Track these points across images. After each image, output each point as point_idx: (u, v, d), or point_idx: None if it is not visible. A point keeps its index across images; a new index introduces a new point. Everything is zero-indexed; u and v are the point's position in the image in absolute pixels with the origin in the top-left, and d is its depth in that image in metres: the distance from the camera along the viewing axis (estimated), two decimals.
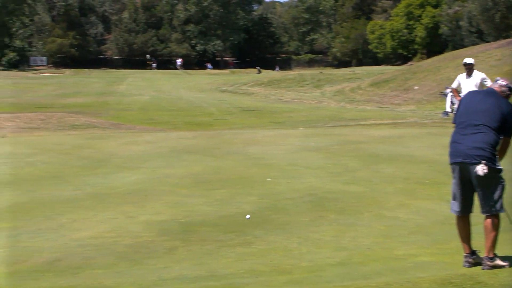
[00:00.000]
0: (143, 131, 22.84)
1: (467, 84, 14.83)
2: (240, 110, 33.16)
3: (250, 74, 71.32)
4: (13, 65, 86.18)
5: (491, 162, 5.76)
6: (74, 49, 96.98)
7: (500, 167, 5.84)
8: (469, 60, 15.20)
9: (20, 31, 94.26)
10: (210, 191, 9.95)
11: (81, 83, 55.31)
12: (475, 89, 14.39)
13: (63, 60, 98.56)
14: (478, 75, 14.92)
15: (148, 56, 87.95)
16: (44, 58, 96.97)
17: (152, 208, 8.78)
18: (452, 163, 5.98)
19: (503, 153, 6.00)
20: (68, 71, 79.89)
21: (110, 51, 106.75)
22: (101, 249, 6.80)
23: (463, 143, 5.88)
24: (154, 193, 9.87)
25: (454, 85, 15.51)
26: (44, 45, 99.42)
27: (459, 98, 15.61)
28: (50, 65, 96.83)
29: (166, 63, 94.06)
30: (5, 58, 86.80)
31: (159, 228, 7.65)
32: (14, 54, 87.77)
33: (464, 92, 14.68)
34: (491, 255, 5.84)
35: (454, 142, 6.00)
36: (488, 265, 5.81)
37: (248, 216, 8.14)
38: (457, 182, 5.96)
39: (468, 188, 5.93)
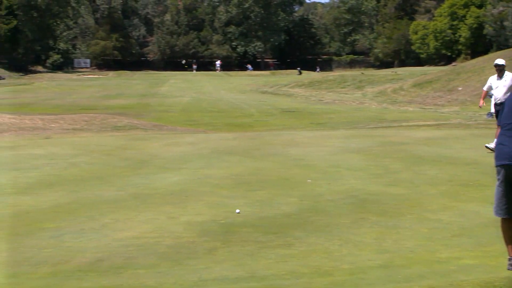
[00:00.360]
0: (184, 132, 23.03)
1: (498, 85, 14.55)
2: (281, 111, 33.14)
3: (290, 75, 71.22)
4: (57, 67, 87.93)
5: None
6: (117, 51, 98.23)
7: None
8: (500, 61, 14.91)
9: (64, 33, 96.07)
10: (250, 192, 9.96)
11: (124, 85, 56.06)
12: (505, 90, 14.17)
13: (106, 62, 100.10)
14: (509, 76, 14.63)
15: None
16: (88, 60, 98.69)
17: (193, 208, 8.84)
18: (497, 166, 5.86)
19: None
20: (111, 73, 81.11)
21: (152, 53, 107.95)
22: (143, 249, 6.87)
23: (508, 145, 5.76)
24: (195, 194, 9.93)
25: (485, 88, 15.22)
26: (87, 47, 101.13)
27: (482, 102, 15.35)
28: (94, 67, 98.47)
29: (206, 65, 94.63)
30: (50, 60, 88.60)
31: (200, 228, 7.69)
32: (59, 56, 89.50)
33: (495, 94, 14.44)
34: None
35: (499, 144, 5.89)
36: None
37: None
38: (501, 185, 5.85)
39: None
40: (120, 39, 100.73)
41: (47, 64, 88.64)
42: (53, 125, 24.51)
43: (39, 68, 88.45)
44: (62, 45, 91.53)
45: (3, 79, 66.15)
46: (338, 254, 6.62)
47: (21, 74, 75.55)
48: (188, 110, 34.33)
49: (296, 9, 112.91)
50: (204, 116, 30.74)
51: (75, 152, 15.83)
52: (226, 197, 9.63)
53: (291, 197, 9.51)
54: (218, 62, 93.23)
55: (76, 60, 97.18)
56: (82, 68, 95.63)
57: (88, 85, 56.47)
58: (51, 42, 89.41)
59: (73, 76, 74.68)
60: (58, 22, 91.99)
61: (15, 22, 69.05)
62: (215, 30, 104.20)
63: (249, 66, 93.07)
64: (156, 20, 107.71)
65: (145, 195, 9.89)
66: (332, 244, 7.00)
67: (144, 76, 73.94)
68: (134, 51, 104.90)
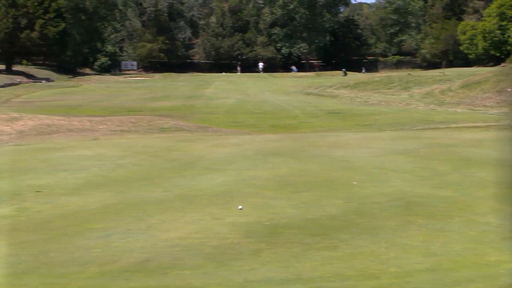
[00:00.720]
0: (229, 133, 23.14)
1: None
2: (325, 112, 32.99)
3: (335, 77, 70.87)
4: (105, 70, 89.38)
5: None
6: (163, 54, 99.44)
7: None
8: None
9: (112, 36, 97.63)
10: (295, 193, 9.95)
11: (170, 87, 56.65)
12: None
13: (153, 64, 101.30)
14: None
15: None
16: (135, 63, 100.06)
17: (238, 210, 8.87)
18: None
19: None
20: (157, 75, 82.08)
21: (198, 55, 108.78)
22: (189, 250, 6.93)
23: None
24: (240, 195, 9.96)
25: None
26: (134, 50, 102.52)
27: None
28: (140, 69, 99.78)
29: (251, 67, 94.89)
30: (98, 63, 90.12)
31: (245, 230, 7.72)
32: (106, 58, 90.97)
33: None
34: None
35: None
36: None
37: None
38: None
39: None
40: (166, 41, 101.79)
41: (95, 67, 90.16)
42: (101, 127, 24.94)
43: (87, 70, 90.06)
44: (109, 48, 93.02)
45: (52, 81, 67.59)
46: (385, 257, 6.56)
47: (69, 76, 77.04)
48: (232, 111, 34.48)
49: (342, 10, 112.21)
50: (248, 118, 30.82)
51: (122, 153, 16.07)
52: (270, 198, 9.63)
53: (336, 199, 9.46)
54: (260, 64, 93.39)
55: (123, 63, 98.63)
56: (129, 70, 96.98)
57: (135, 87, 57.27)
58: (98, 44, 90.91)
59: (120, 78, 75.85)
60: (106, 25, 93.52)
61: (63, 25, 70.43)
62: (260, 32, 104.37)
63: (294, 68, 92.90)
64: (202, 22, 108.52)
65: (190, 196, 9.98)
66: (379, 247, 6.94)
67: (190, 78, 74.60)
68: (179, 53, 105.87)
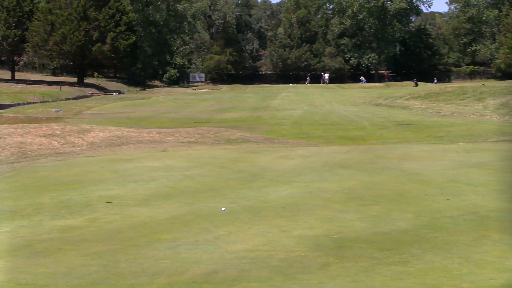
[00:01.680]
0: (296, 145, 23.11)
1: None
2: (395, 124, 32.52)
3: (406, 87, 69.83)
4: (173, 82, 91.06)
5: None
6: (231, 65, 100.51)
7: None
8: None
9: (181, 48, 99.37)
10: (364, 206, 9.83)
11: (237, 98, 57.16)
12: None
13: (220, 76, 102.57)
14: None
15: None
16: (203, 75, 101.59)
17: (305, 222, 8.83)
18: None
19: None
20: (224, 87, 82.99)
21: (265, 66, 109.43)
22: (256, 262, 6.94)
23: None
24: (307, 207, 9.92)
25: None
26: (202, 62, 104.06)
27: None
28: (208, 81, 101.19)
29: (318, 78, 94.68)
30: (167, 75, 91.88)
31: (312, 243, 7.67)
32: (175, 71, 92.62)
33: None
34: None
35: None
36: None
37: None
38: None
39: None
40: (234, 53, 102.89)
41: (164, 79, 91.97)
42: (169, 138, 25.37)
43: (156, 82, 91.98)
44: (178, 60, 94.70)
45: (123, 93, 69.33)
46: (458, 273, 6.39)
47: (139, 88, 78.85)
48: (299, 123, 34.44)
49: (413, 19, 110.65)
50: (316, 129, 30.71)
51: (189, 164, 16.29)
52: (338, 211, 9.55)
53: (407, 212, 9.29)
54: (326, 75, 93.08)
55: (191, 75, 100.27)
56: (197, 82, 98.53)
57: (203, 98, 58.06)
58: (168, 57, 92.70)
59: (188, 90, 77.08)
60: (175, 38, 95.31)
61: (134, 38, 72.18)
62: (328, 42, 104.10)
63: (363, 78, 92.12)
64: (269, 33, 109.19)
65: (257, 208, 10.00)
66: (451, 262, 6.77)
67: (256, 89, 75.07)
68: (247, 65, 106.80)
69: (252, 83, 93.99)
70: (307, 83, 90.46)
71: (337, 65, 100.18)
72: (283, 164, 15.62)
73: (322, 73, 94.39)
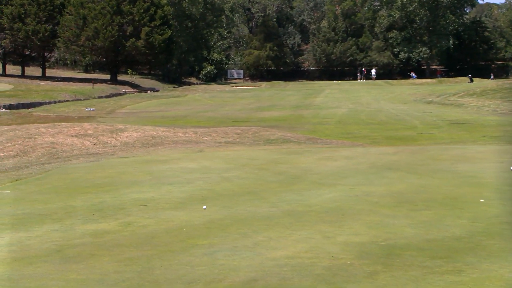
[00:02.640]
0: (340, 146, 23.01)
1: None
2: (448, 123, 32.12)
3: (460, 84, 68.91)
4: (210, 79, 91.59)
5: None
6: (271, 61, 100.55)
7: None
8: None
9: (218, 43, 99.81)
10: (415, 211, 9.74)
11: (277, 96, 57.19)
12: None
13: (259, 73, 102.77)
14: None
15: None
16: (241, 71, 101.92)
17: (351, 228, 8.79)
18: None
19: None
20: (264, 84, 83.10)
21: (307, 62, 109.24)
22: (298, 270, 6.93)
23: None
24: (352, 212, 9.87)
25: None
26: (241, 57, 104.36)
27: None
28: (247, 78, 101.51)
29: (366, 73, 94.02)
30: (203, 72, 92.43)
31: (358, 250, 7.63)
32: (212, 67, 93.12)
33: None
34: None
35: None
36: None
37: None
38: None
39: None
40: (274, 48, 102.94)
41: (201, 76, 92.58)
42: (206, 138, 25.53)
43: (193, 79, 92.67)
44: (215, 56, 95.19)
45: (157, 91, 70.01)
46: None
47: (174, 86, 79.56)
48: (344, 122, 34.28)
49: (467, 11, 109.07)
50: (362, 129, 30.53)
51: (227, 166, 16.36)
52: (387, 216, 9.48)
53: (461, 218, 9.17)
54: (373, 70, 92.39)
55: (229, 71, 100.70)
56: (235, 79, 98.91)
57: (241, 96, 58.25)
58: (204, 52, 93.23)
59: (226, 87, 77.41)
60: (212, 32, 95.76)
61: (169, 33, 72.76)
62: (375, 36, 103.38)
63: (413, 74, 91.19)
64: (312, 27, 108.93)
65: (299, 212, 9.99)
66: (509, 271, 6.66)
67: (298, 87, 74.96)
68: (288, 60, 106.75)
69: (294, 80, 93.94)
70: (360, 79, 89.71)
71: (385, 60, 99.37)
72: (327, 166, 15.56)
73: (363, 69, 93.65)
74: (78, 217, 10.38)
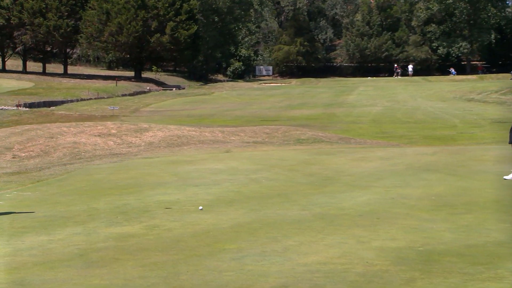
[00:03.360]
0: (374, 146, 22.91)
1: None
2: (490, 122, 31.79)
3: (503, 80, 68.16)
4: (238, 76, 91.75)
5: None
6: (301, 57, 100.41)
7: None
8: None
9: (246, 39, 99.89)
10: (454, 215, 9.66)
11: (308, 94, 57.09)
12: None
13: (289, 69, 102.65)
14: None
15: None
16: (270, 68, 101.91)
17: (386, 232, 8.74)
18: None
19: None
20: (294, 81, 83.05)
21: (340, 57, 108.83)
22: (331, 276, 6.92)
23: None
24: (388, 215, 9.82)
25: None
26: (270, 53, 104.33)
27: None
28: (276, 75, 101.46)
29: (398, 71, 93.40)
30: (230, 68, 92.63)
31: (395, 255, 7.59)
32: (240, 63, 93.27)
33: None
34: None
35: None
36: None
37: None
38: None
39: None
40: (305, 43, 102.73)
41: (228, 73, 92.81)
42: (233, 138, 25.59)
43: (219, 76, 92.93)
44: (243, 52, 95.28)
45: (183, 88, 70.34)
46: None
47: (201, 83, 79.83)
48: (379, 121, 34.11)
49: (509, 4, 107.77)
50: (398, 128, 30.35)
51: (255, 167, 16.38)
52: (424, 220, 9.42)
53: (503, 222, 9.08)
54: (410, 66, 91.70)
55: (257, 68, 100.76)
56: (263, 76, 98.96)
57: (270, 94, 58.27)
58: (232, 48, 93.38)
59: (254, 84, 77.51)
60: (240, 27, 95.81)
61: (195, 28, 72.95)
62: (412, 30, 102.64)
63: (452, 70, 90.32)
64: (345, 21, 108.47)
65: (331, 216, 9.97)
66: None
67: (330, 84, 74.75)
68: (319, 56, 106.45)
69: (325, 77, 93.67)
70: (397, 76, 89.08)
71: (423, 55, 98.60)
72: (360, 167, 15.50)
73: (396, 66, 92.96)
74: (101, 220, 10.48)
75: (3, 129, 28.44)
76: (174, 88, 69.42)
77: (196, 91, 66.31)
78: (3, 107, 43.05)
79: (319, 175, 14.49)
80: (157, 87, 68.83)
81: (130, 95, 59.65)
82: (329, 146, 22.59)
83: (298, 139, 25.24)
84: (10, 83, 58.53)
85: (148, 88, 66.85)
